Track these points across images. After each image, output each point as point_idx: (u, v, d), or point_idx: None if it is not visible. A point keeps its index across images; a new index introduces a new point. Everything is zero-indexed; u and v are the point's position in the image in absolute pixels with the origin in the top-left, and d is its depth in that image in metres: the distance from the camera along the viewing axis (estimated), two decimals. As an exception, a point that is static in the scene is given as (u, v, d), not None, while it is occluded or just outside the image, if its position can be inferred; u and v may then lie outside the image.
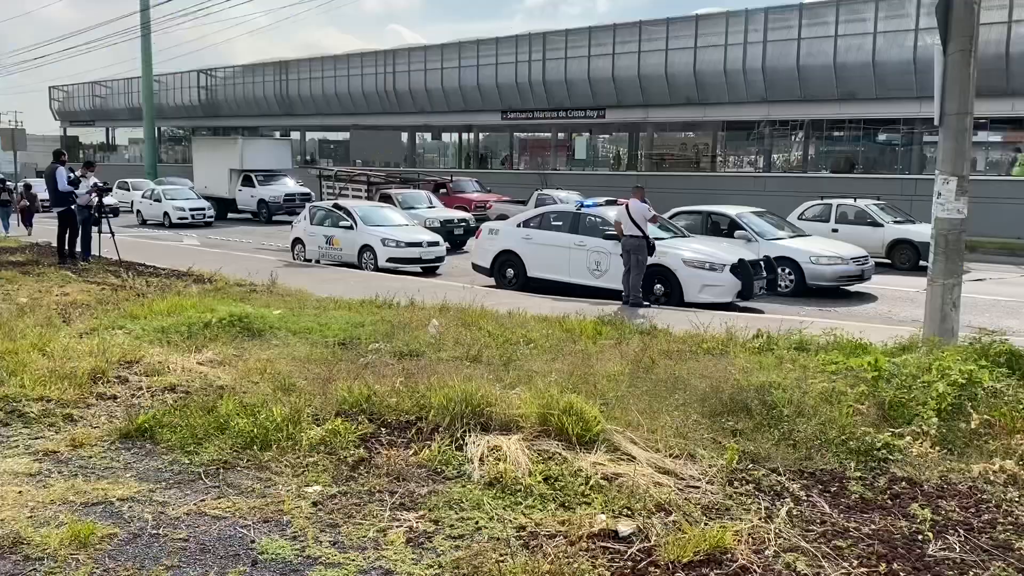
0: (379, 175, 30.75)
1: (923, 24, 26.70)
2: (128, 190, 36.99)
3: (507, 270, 15.46)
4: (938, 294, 8.96)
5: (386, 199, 23.83)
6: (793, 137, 34.25)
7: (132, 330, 8.64)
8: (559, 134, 40.61)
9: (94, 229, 16.50)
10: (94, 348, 7.58)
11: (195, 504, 4.46)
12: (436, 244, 18.31)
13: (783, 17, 30.44)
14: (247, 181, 33.17)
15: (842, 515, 4.44)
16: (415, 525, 4.23)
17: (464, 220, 23.35)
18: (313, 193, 31.94)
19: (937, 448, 5.34)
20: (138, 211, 32.33)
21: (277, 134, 49.01)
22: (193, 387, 6.54)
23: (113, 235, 16.14)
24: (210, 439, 5.30)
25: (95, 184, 16.45)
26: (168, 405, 6.00)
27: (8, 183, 35.05)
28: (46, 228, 26.12)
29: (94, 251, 16.44)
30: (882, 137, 31.53)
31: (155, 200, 31.66)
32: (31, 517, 4.24)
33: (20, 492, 4.55)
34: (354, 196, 26.70)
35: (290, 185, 33.48)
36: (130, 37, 46.89)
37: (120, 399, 6.31)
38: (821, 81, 29.69)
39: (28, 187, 27.46)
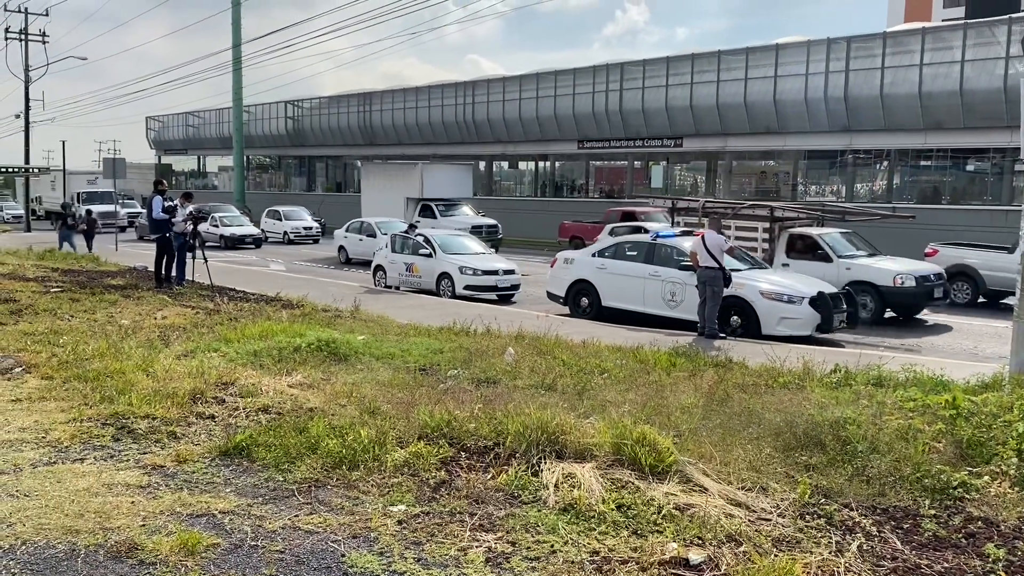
0: (790, 208, 18.39)
1: (1014, 52, 25.96)
2: (279, 219, 37.36)
3: (582, 299, 15.64)
4: (1025, 331, 8.76)
5: (809, 247, 16.09)
6: (877, 166, 33.54)
7: (226, 353, 9.11)
8: (635, 162, 40.68)
9: (188, 255, 17.36)
10: (193, 370, 8.07)
11: (289, 519, 4.78)
12: (511, 272, 18.63)
13: (866, 46, 30.01)
14: (426, 211, 30.63)
15: (914, 552, 4.48)
16: (494, 546, 4.45)
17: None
18: (499, 224, 30.80)
19: (1016, 488, 5.29)
20: (340, 246, 28.25)
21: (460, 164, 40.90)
22: (285, 408, 6.92)
23: (206, 261, 16.95)
24: (302, 458, 5.63)
25: (191, 212, 17.34)
26: (262, 425, 6.37)
27: (73, 207, 38.24)
28: (105, 247, 27.62)
29: (188, 276, 17.29)
30: (970, 167, 30.63)
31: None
32: (143, 526, 4.63)
33: (133, 502, 4.96)
34: (739, 237, 17.13)
35: (471, 215, 30.89)
36: (222, 72, 49.14)
37: (218, 418, 6.73)
38: (906, 110, 29.10)
39: (88, 212, 31.32)
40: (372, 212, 31.57)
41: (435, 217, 29.81)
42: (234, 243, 33.30)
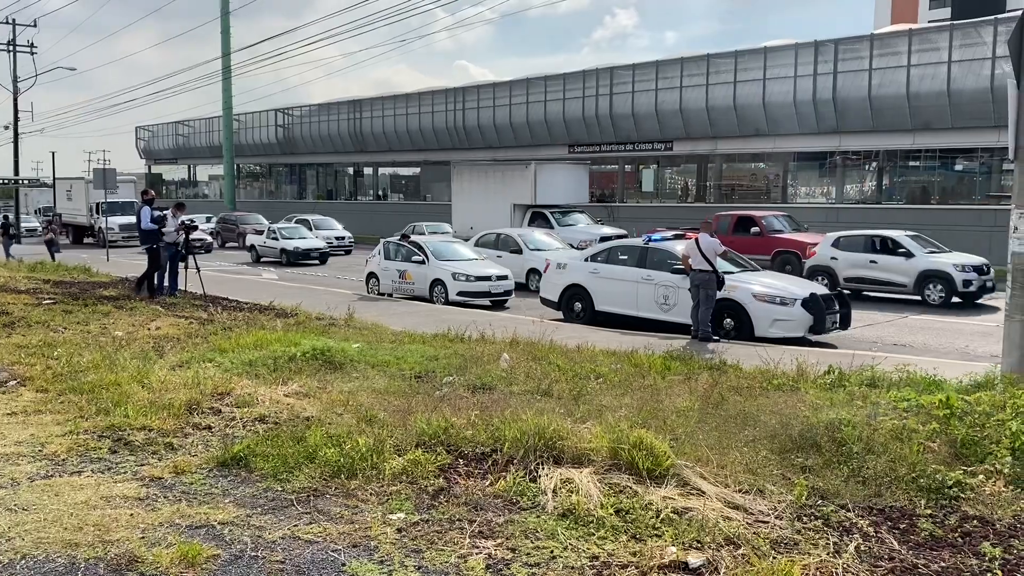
0: None
1: (1000, 52, 26.16)
2: (309, 229, 34.33)
3: (575, 304, 15.68)
4: (1016, 330, 8.82)
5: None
6: (866, 167, 33.73)
7: (221, 363, 9.10)
8: (626, 166, 40.80)
9: (180, 264, 17.33)
10: (188, 380, 8.06)
11: (289, 529, 4.79)
12: (504, 278, 18.66)
13: (854, 48, 30.20)
14: (538, 219, 26.65)
15: (911, 552, 4.52)
16: (493, 552, 4.47)
17: None
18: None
19: (1011, 487, 5.34)
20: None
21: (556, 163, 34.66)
22: (281, 418, 6.92)
23: (199, 271, 16.92)
24: (300, 468, 5.64)
25: (182, 222, 17.32)
26: (259, 435, 6.37)
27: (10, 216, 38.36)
28: (95, 258, 27.57)
29: (180, 286, 17.26)
30: (959, 167, 30.83)
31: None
32: (143, 538, 4.63)
33: (132, 515, 4.96)
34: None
35: (590, 224, 26.83)
36: (212, 81, 49.29)
37: (215, 429, 6.73)
38: (894, 111, 29.28)
39: (50, 221, 31.59)
40: (467, 221, 28.22)
41: (551, 226, 25.31)
42: (296, 258, 29.77)
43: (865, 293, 19.09)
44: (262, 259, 31.06)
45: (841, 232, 20.13)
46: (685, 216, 31.32)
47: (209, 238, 36.54)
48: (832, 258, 19.49)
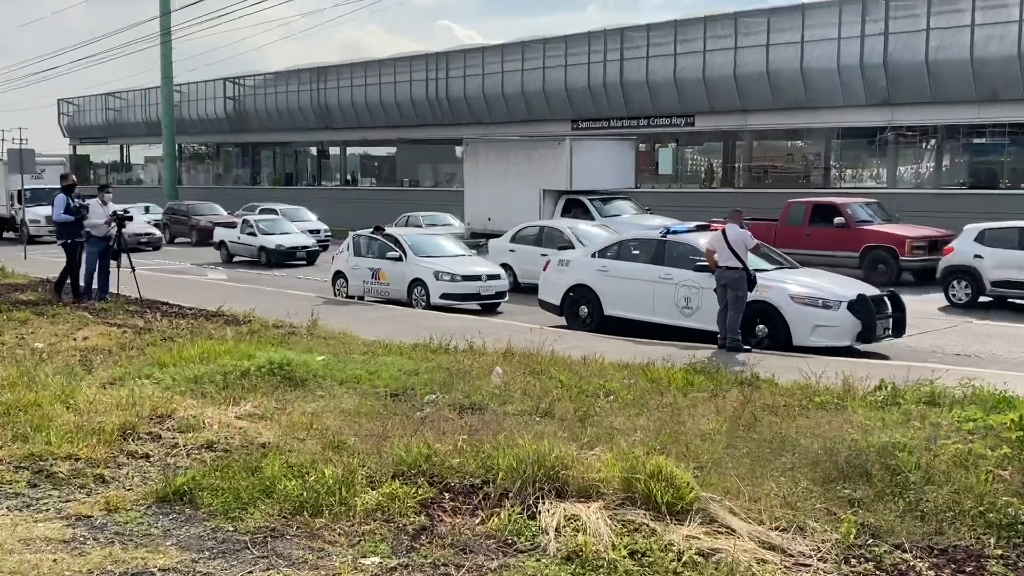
0: None
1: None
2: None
3: (580, 308, 15.70)
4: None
5: None
6: (923, 145, 33.83)
7: (161, 379, 9.10)
8: (640, 145, 40.81)
9: (112, 263, 17.24)
10: (122, 400, 8.05)
11: (242, 576, 4.78)
12: (497, 277, 18.67)
13: (908, 4, 30.28)
14: (574, 208, 25.16)
15: (979, 600, 4.53)
16: (485, 603, 4.46)
17: None
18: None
19: (1096, 523, 5.35)
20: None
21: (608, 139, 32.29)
22: (233, 444, 6.92)
23: (134, 270, 16.86)
24: (255, 504, 5.63)
25: (115, 212, 17.24)
26: (207, 465, 6.37)
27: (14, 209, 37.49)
28: (13, 255, 27.39)
29: (112, 288, 17.19)
30: (1034, 145, 30.96)
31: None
32: (68, 587, 4.61)
33: (55, 560, 4.94)
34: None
35: (638, 212, 25.35)
36: (149, 45, 49.01)
37: (154, 458, 6.72)
38: (956, 79, 29.35)
39: None
40: (483, 212, 26.70)
41: (591, 217, 23.99)
42: (280, 258, 28.62)
43: (1013, 301, 18.06)
44: (235, 258, 30.12)
45: (987, 224, 18.94)
46: (709, 204, 31.40)
47: (157, 232, 36.26)
48: (976, 256, 18.23)
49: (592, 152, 27.00)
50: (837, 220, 22.61)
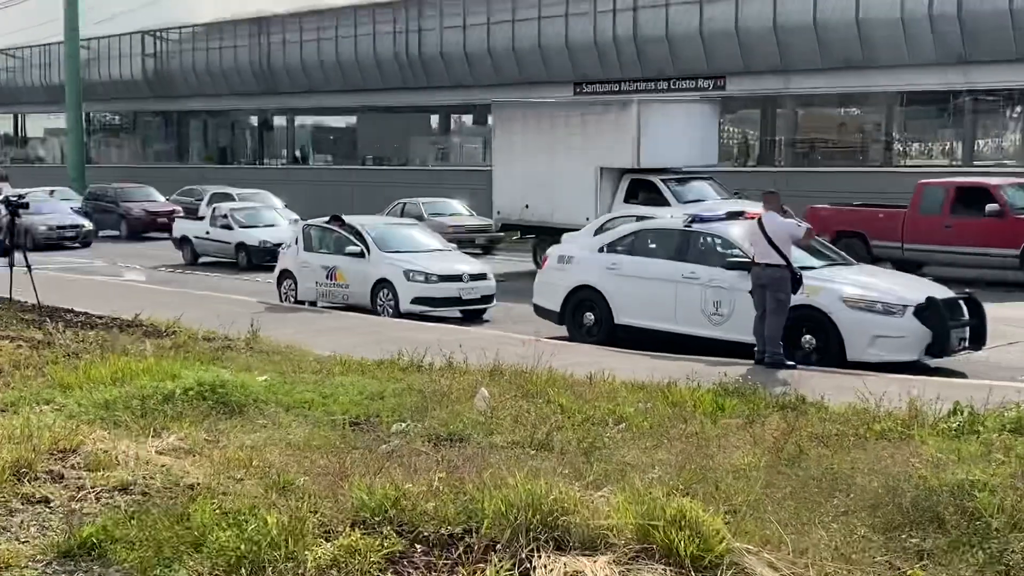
0: None
1: None
2: None
3: (585, 314, 15.70)
4: None
5: None
6: (1007, 113, 33.97)
7: (64, 405, 9.02)
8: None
9: (3, 261, 17.21)
10: (14, 432, 7.98)
11: (164, 649, 4.75)
12: (482, 277, 18.67)
13: (987, -62, 30.41)
14: (642, 190, 24.39)
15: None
16: None
17: None
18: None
19: None
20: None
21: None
22: (153, 486, 6.87)
23: (30, 269, 16.82)
24: (181, 559, 5.57)
25: (6, 199, 17.23)
26: (121, 512, 6.31)
27: None
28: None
29: (3, 292, 17.13)
30: None
31: None
32: (-53, 665, 4.58)
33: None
34: None
35: (724, 196, 24.53)
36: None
37: (55, 503, 6.65)
38: (1047, 31, 29.49)
39: None
40: (518, 196, 25.84)
41: (664, 203, 22.99)
42: (264, 257, 26.91)
43: None
44: (202, 259, 29.62)
45: None
46: (743, 185, 31.39)
47: (86, 223, 35.98)
48: None
49: (667, 118, 25.72)
50: (989, 207, 21.48)
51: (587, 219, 22.84)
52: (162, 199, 39.79)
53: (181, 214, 37.17)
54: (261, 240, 27.77)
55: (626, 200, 24.31)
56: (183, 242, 30.54)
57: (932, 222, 22.32)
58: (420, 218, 29.32)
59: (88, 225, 35.76)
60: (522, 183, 26.37)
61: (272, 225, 29.32)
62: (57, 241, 33.80)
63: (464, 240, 30.41)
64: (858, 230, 23.81)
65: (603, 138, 25.06)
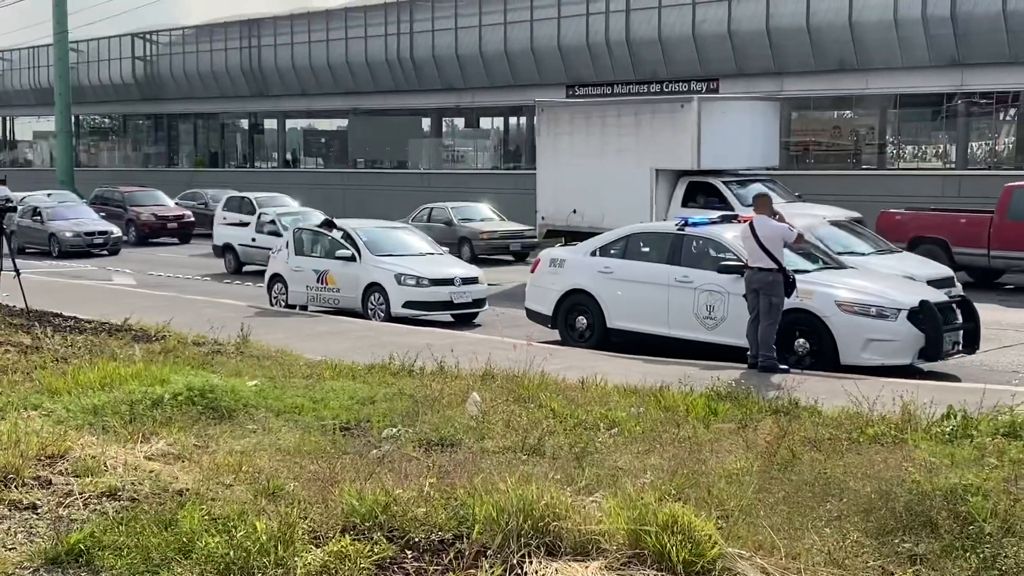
0: None
1: None
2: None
3: (577, 318, 15.71)
4: None
5: None
6: (1000, 116, 34.04)
7: (52, 411, 9.01)
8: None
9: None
10: (2, 438, 7.97)
11: (152, 657, 4.75)
12: (474, 281, 18.67)
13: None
14: (700, 194, 23.45)
15: None
16: None
17: None
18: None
19: None
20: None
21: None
22: (141, 492, 6.86)
23: (18, 273, 16.77)
24: (169, 566, 5.57)
25: (-6, 202, 17.18)
26: (109, 518, 6.30)
27: None
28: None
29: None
30: None
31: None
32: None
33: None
34: None
35: (790, 199, 23.27)
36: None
37: (42, 509, 6.65)
38: (1041, 33, 29.57)
39: None
40: (566, 201, 24.68)
41: (725, 206, 21.83)
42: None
43: None
44: (247, 267, 27.62)
45: None
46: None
47: (115, 229, 34.26)
48: None
49: (728, 117, 24.62)
50: None
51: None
52: (171, 203, 39.13)
53: (191, 218, 37.01)
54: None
55: (684, 204, 23.06)
56: (226, 250, 28.92)
57: (1022, 228, 21.30)
58: (449, 224, 28.89)
59: (116, 231, 34.17)
60: (569, 187, 25.23)
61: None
62: (85, 249, 32.84)
63: (498, 247, 30.01)
64: (939, 236, 22.79)
65: (659, 138, 23.94)
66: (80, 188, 45.34)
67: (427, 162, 46.50)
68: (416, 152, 47.75)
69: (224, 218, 32.47)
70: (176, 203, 39.63)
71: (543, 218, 26.08)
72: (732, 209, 21.04)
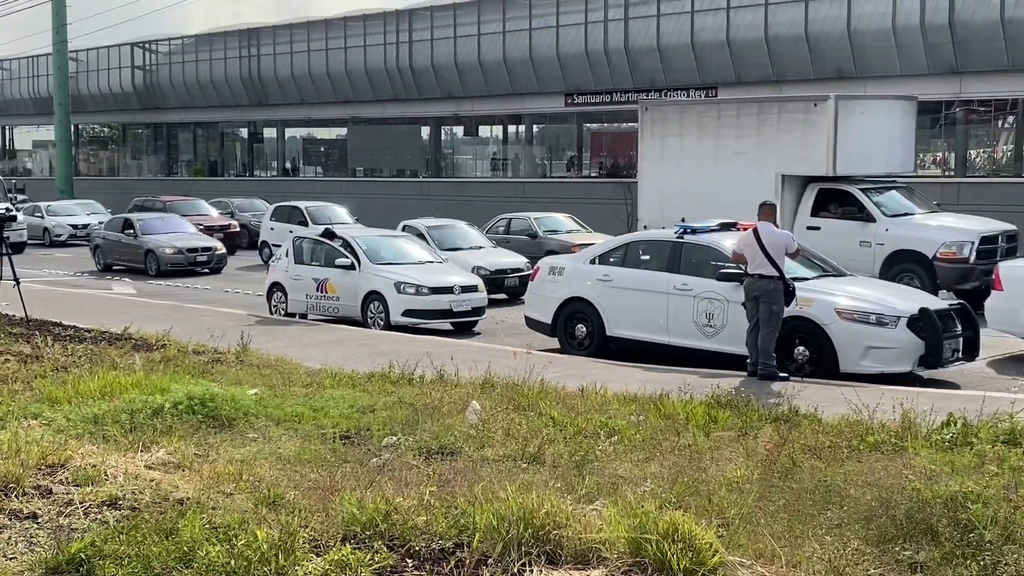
0: None
1: None
2: (305, 225, 28.98)
3: (577, 327, 15.70)
4: None
5: None
6: (999, 123, 34.11)
7: (53, 420, 9.00)
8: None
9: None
10: (2, 447, 7.96)
11: (153, 666, 4.74)
12: (473, 289, 18.67)
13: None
14: (834, 201, 21.61)
15: None
16: None
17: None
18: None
19: None
20: None
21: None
22: (142, 501, 6.86)
23: (18, 282, 16.78)
24: (170, 575, 5.57)
25: (-6, 211, 17.17)
26: (109, 527, 6.30)
27: None
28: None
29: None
30: None
31: None
32: None
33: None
34: None
35: (923, 213, 21.68)
36: (37, 2, 48.89)
37: (43, 518, 6.64)
38: (1038, 41, 29.62)
39: None
40: (670, 208, 22.38)
41: (863, 216, 20.74)
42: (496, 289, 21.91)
43: None
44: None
45: None
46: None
47: (218, 245, 30.71)
48: None
49: (867, 118, 22.50)
50: None
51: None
52: (215, 213, 36.82)
53: (237, 228, 35.62)
54: (481, 267, 22.07)
55: (814, 213, 21.33)
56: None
57: None
58: (533, 236, 26.74)
59: (220, 247, 30.64)
60: (677, 194, 22.98)
61: (476, 247, 24.33)
62: (187, 267, 29.48)
63: None
64: None
65: (786, 141, 22.01)
66: (79, 197, 45.30)
67: (428, 169, 46.48)
68: (415, 159, 47.63)
69: (272, 228, 31.60)
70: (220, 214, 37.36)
71: (645, 227, 23.13)
72: (873, 220, 20.42)
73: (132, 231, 30.31)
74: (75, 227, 39.78)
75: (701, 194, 22.15)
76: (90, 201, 42.96)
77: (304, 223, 29.70)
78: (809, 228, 20.58)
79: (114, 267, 30.64)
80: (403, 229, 23.76)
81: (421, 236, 22.69)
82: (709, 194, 21.90)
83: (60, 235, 39.57)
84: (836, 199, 21.32)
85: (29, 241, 36.85)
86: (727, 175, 22.15)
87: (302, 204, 33.10)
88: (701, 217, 20.15)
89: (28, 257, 32.20)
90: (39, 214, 40.00)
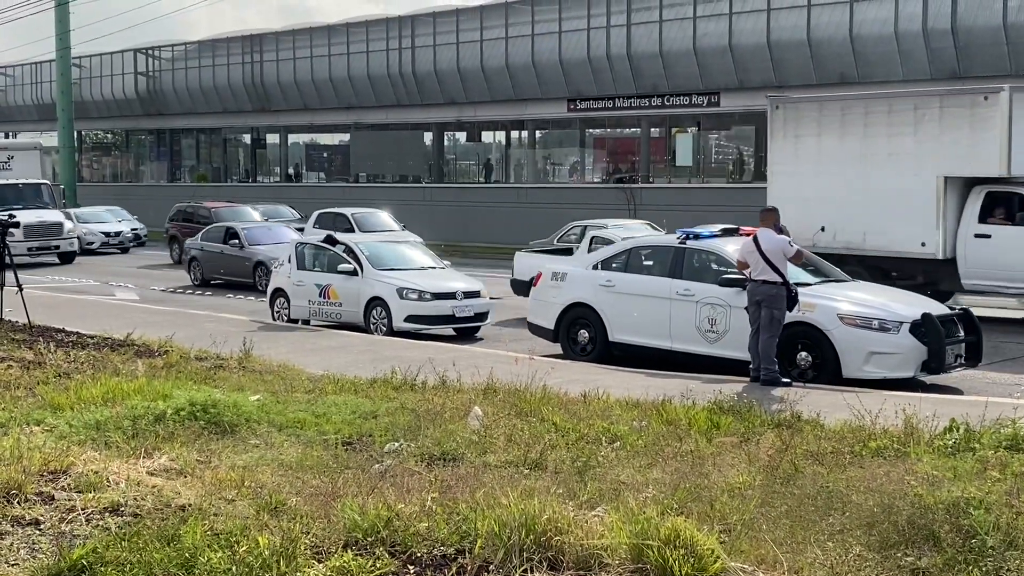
0: None
1: None
2: (352, 231, 27.92)
3: (579, 332, 15.71)
4: None
5: None
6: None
7: (55, 426, 9.01)
8: (652, 130, 41.01)
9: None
10: (4, 453, 7.97)
11: (155, 673, 4.74)
12: (476, 295, 18.68)
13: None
14: (1001, 207, 19.62)
15: None
16: None
17: None
18: None
19: None
20: None
21: None
22: (144, 507, 6.86)
23: (20, 289, 16.81)
24: (171, 582, 5.59)
25: (-4, 217, 17.19)
26: (111, 533, 6.30)
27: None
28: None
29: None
30: None
31: None
32: None
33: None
34: None
35: None
36: (41, 8, 48.95)
37: (45, 525, 6.64)
38: (1041, 46, 29.59)
39: None
40: (808, 215, 20.75)
41: None
42: None
43: None
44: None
45: None
46: (737, 203, 31.49)
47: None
48: None
49: None
50: None
51: (922, 244, 19.39)
52: (257, 214, 35.09)
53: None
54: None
55: (982, 219, 19.43)
56: None
57: None
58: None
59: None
60: (816, 200, 21.17)
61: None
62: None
63: None
64: None
65: (949, 139, 20.01)
66: (82, 204, 45.28)
67: (430, 175, 46.50)
68: (417, 164, 47.62)
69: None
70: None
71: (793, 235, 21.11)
72: None
73: (237, 241, 27.68)
74: (107, 235, 39.42)
75: (847, 200, 20.67)
76: (116, 207, 42.71)
77: (351, 230, 28.48)
78: (977, 236, 19.16)
79: (212, 281, 28.12)
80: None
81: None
82: (857, 199, 20.51)
83: (92, 243, 38.69)
84: (1007, 203, 19.39)
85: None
86: (880, 178, 20.41)
87: (348, 211, 31.75)
88: (847, 224, 20.34)
89: (81, 268, 31.81)
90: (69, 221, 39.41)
